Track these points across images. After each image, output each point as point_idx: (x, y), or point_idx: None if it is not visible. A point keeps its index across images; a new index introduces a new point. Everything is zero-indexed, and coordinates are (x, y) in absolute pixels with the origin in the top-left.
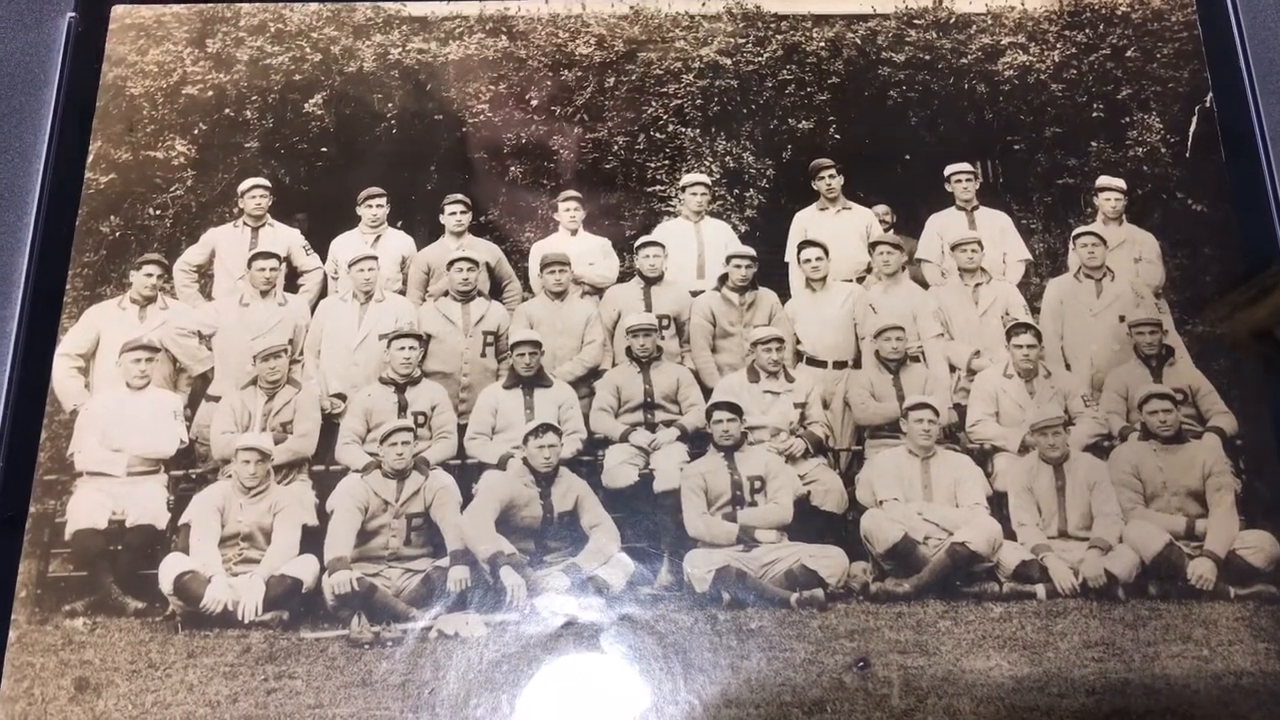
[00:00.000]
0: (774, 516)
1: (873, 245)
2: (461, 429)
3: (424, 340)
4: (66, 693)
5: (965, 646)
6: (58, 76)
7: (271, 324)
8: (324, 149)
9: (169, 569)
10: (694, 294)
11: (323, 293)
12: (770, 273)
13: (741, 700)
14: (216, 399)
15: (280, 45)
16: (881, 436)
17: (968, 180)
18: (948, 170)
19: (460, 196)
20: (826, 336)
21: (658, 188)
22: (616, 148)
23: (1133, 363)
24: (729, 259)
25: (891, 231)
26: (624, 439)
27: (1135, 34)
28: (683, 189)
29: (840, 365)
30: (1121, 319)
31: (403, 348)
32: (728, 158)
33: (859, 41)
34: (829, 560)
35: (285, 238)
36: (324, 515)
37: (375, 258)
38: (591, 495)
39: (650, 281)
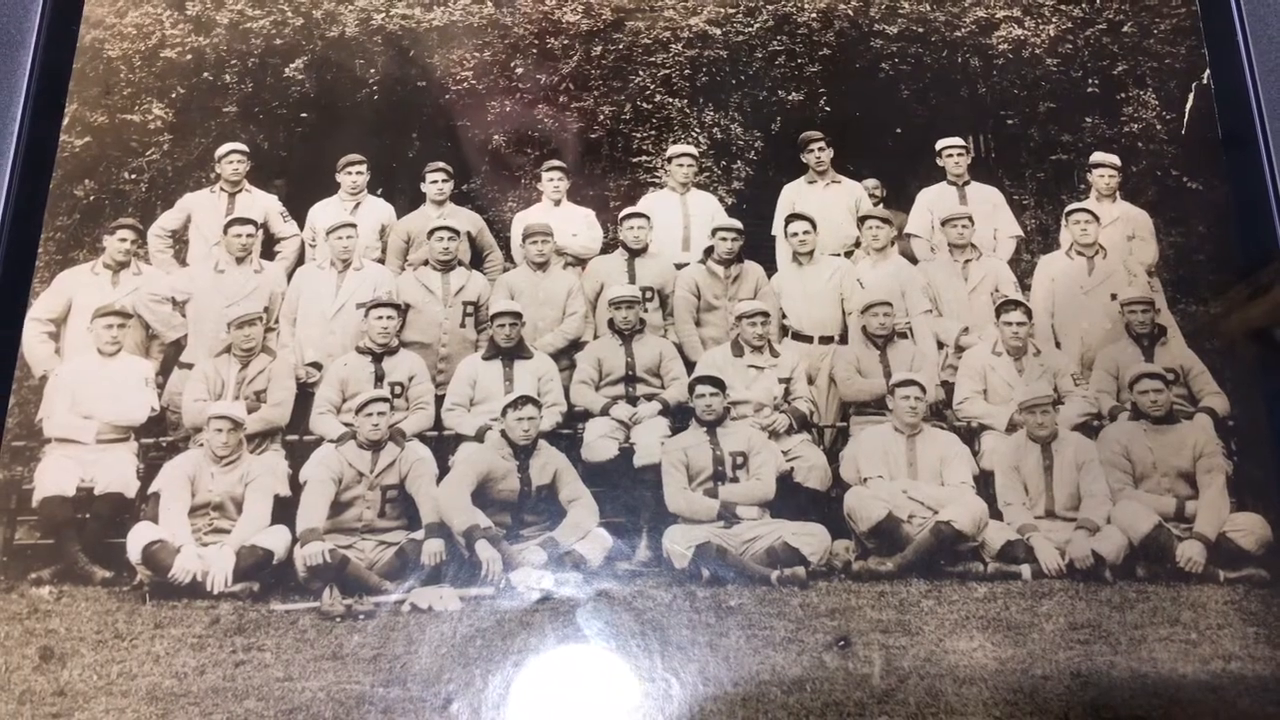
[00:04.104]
0: (756, 493)
1: (861, 219)
2: (439, 400)
3: (402, 310)
4: (31, 662)
5: (948, 627)
6: (34, 37)
7: (247, 291)
8: (304, 114)
9: (137, 538)
10: (679, 266)
11: (300, 260)
12: (757, 246)
13: (719, 678)
14: (189, 366)
15: (261, 9)
16: (867, 413)
17: (959, 155)
18: (939, 144)
19: (442, 164)
20: (813, 311)
21: (643, 158)
22: (602, 117)
23: (1124, 341)
24: (715, 231)
25: (881, 206)
26: (604, 412)
27: (1132, 9)
28: (669, 160)
29: (826, 340)
30: (1113, 297)
31: (380, 317)
32: (715, 129)
33: (851, 13)
34: (811, 538)
35: (262, 204)
36: (297, 486)
37: (354, 225)
38: (570, 469)
39: (634, 253)
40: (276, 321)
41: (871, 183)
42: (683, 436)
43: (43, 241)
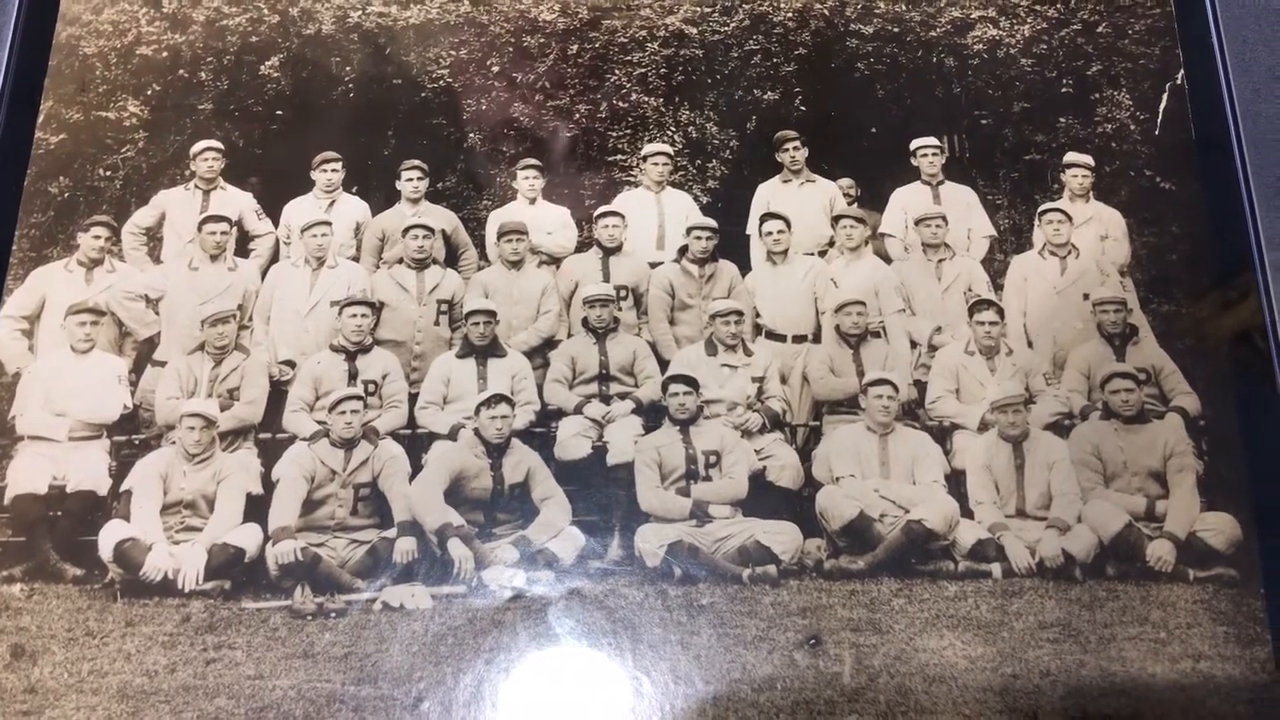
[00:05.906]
0: (728, 491)
1: (836, 219)
2: (412, 398)
3: (376, 308)
4: (1, 659)
5: (919, 625)
6: (10, 34)
7: (221, 289)
8: (279, 112)
9: (109, 536)
10: (653, 265)
11: (274, 258)
12: (731, 245)
13: (690, 677)
14: (162, 364)
15: (237, 6)
16: (840, 412)
17: (933, 154)
18: (913, 144)
19: (417, 162)
20: (787, 310)
21: (619, 157)
22: (578, 116)
23: (1096, 341)
24: (689, 230)
25: (855, 205)
26: (578, 411)
27: (1107, 9)
28: (644, 159)
29: (800, 339)
30: (1085, 297)
31: (355, 315)
32: (691, 128)
33: (827, 12)
34: (783, 536)
35: (237, 201)
36: (269, 484)
37: (329, 223)
38: (543, 467)
39: (609, 252)
40: (250, 319)
41: (846, 182)
42: (656, 435)
43: (17, 238)
